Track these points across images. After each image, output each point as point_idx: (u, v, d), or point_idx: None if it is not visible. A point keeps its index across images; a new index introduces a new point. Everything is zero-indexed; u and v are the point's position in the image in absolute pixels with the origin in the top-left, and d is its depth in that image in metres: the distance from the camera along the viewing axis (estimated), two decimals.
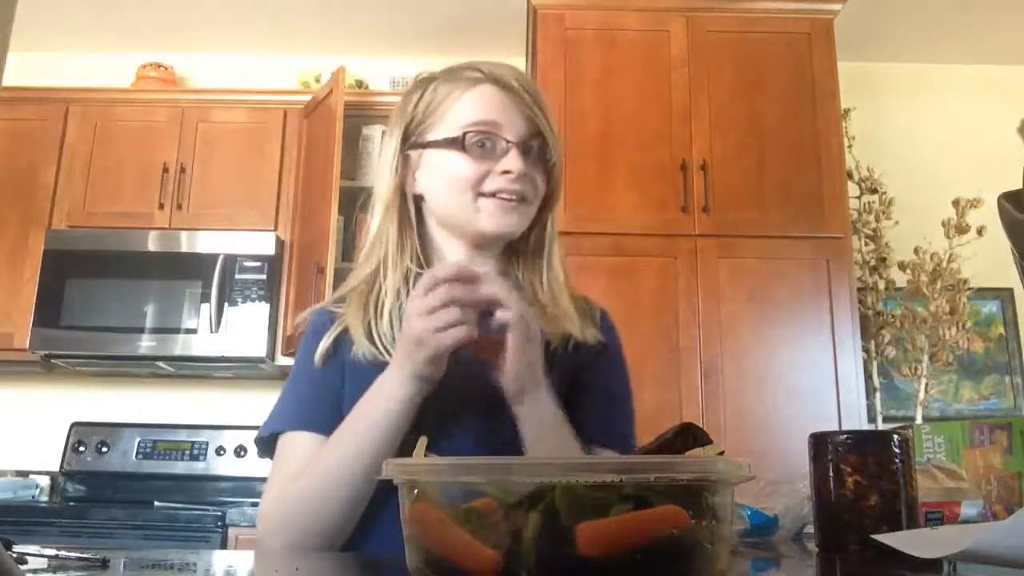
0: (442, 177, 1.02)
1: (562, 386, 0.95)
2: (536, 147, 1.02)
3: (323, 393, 0.99)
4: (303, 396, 1.01)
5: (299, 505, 0.91)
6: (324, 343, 1.00)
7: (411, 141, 1.05)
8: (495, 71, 1.02)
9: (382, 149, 1.09)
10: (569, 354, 1.00)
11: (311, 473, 0.91)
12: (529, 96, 1.02)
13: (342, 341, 1.00)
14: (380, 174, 1.07)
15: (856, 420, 2.45)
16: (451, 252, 1.04)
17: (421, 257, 1.05)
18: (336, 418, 0.93)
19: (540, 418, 0.89)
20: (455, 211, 1.02)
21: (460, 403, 0.93)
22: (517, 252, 1.07)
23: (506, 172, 0.99)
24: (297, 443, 0.97)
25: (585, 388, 1.01)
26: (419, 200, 1.05)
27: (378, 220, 1.06)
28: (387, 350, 0.96)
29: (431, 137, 1.02)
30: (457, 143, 1.00)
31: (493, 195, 0.99)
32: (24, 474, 3.05)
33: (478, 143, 1.00)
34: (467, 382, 0.91)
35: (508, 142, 1.00)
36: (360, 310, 1.00)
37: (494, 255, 1.06)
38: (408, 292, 1.00)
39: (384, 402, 0.88)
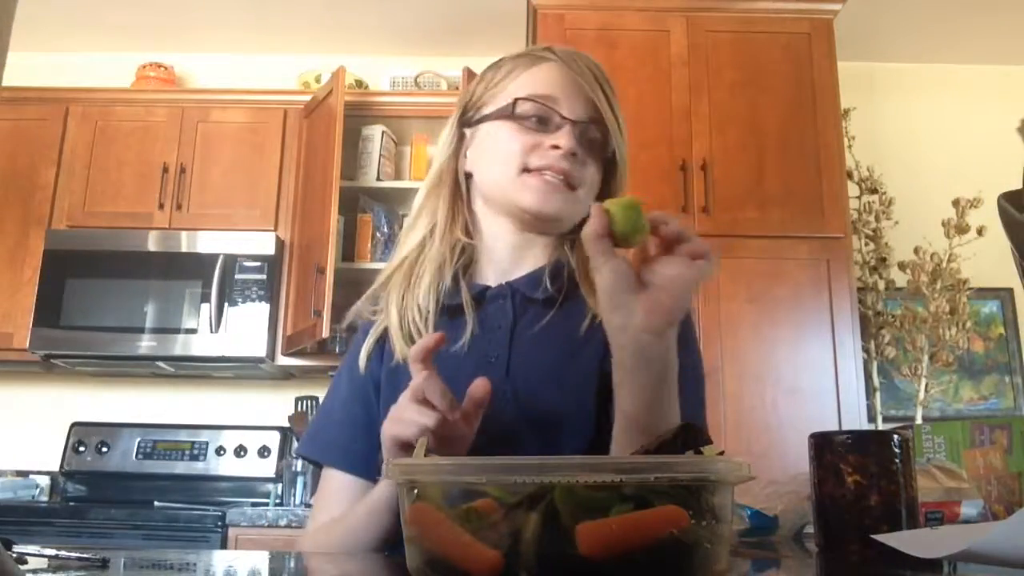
0: (490, 150, 0.97)
1: (597, 380, 0.90)
2: (595, 133, 0.95)
3: (355, 419, 0.96)
4: (337, 423, 0.99)
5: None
6: (367, 344, 0.97)
7: (466, 118, 1.01)
8: (565, 52, 0.98)
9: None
10: (608, 351, 0.91)
11: (332, 542, 0.91)
12: (596, 80, 0.95)
13: (384, 343, 0.97)
14: (436, 154, 1.04)
15: (856, 420, 2.45)
16: (498, 233, 1.00)
17: (471, 230, 1.00)
18: (368, 447, 0.90)
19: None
20: (498, 185, 0.96)
21: (506, 438, 0.88)
22: (573, 244, 0.98)
23: (555, 147, 0.92)
24: (329, 484, 0.97)
25: None
26: (469, 180, 1.01)
27: (421, 198, 1.02)
28: (420, 331, 0.92)
29: (486, 112, 0.98)
30: (507, 111, 0.95)
31: (539, 172, 0.93)
32: (24, 474, 3.05)
33: (530, 115, 0.94)
34: (513, 415, 0.87)
35: (563, 118, 0.94)
36: (399, 299, 0.96)
37: (546, 242, 0.99)
38: (452, 264, 0.96)
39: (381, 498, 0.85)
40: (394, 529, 0.84)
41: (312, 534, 0.95)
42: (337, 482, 0.95)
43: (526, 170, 0.93)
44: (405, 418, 0.76)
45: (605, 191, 0.98)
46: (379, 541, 0.86)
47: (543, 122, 0.94)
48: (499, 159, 0.96)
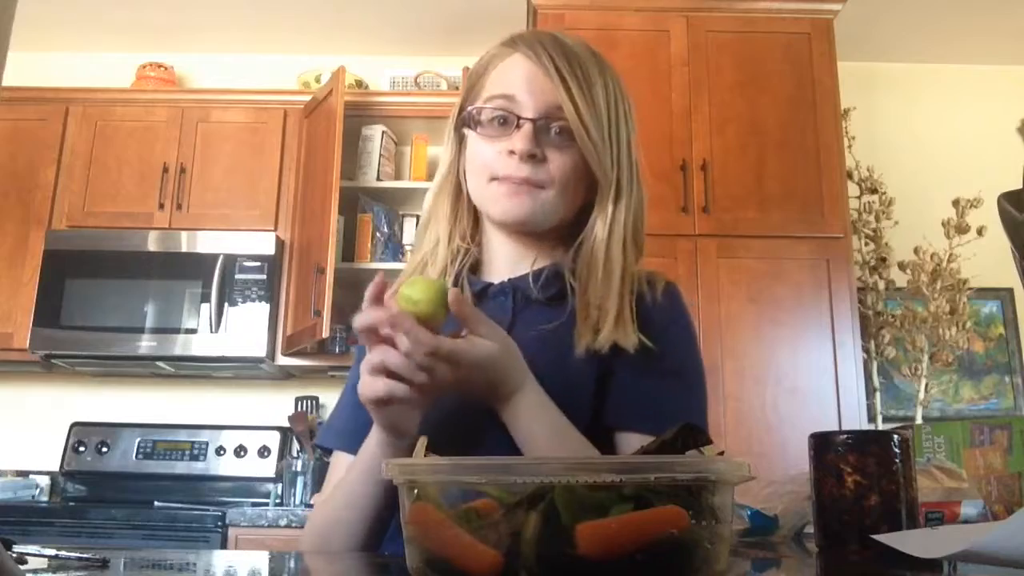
0: (468, 159, 0.97)
1: (591, 393, 0.90)
2: (560, 125, 0.92)
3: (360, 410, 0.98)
4: (345, 414, 1.00)
5: (324, 530, 0.92)
6: None
7: (459, 120, 0.99)
8: (529, 39, 0.95)
9: None
10: (601, 357, 0.90)
11: (330, 505, 0.93)
12: (557, 69, 0.91)
13: None
14: (441, 157, 1.03)
15: (856, 420, 2.45)
16: (494, 237, 1.00)
17: (470, 238, 1.00)
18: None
19: (522, 422, 0.83)
20: (476, 197, 0.97)
21: (475, 421, 0.87)
22: (578, 245, 0.96)
23: (511, 152, 0.91)
24: (335, 466, 0.98)
25: (615, 372, 0.91)
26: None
27: (428, 203, 1.02)
28: None
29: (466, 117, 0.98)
30: (471, 120, 0.94)
31: (504, 179, 0.92)
32: (24, 474, 3.05)
33: (493, 119, 0.93)
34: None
35: (521, 119, 0.91)
36: None
37: (543, 245, 0.98)
38: (456, 267, 0.97)
39: (369, 450, 0.86)
40: (389, 488, 0.85)
41: (316, 508, 0.98)
42: (344, 464, 0.96)
43: (494, 179, 0.93)
44: (367, 369, 0.76)
45: (590, 178, 0.95)
46: (376, 499, 0.86)
47: (505, 123, 0.92)
48: (473, 169, 0.96)
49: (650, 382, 0.91)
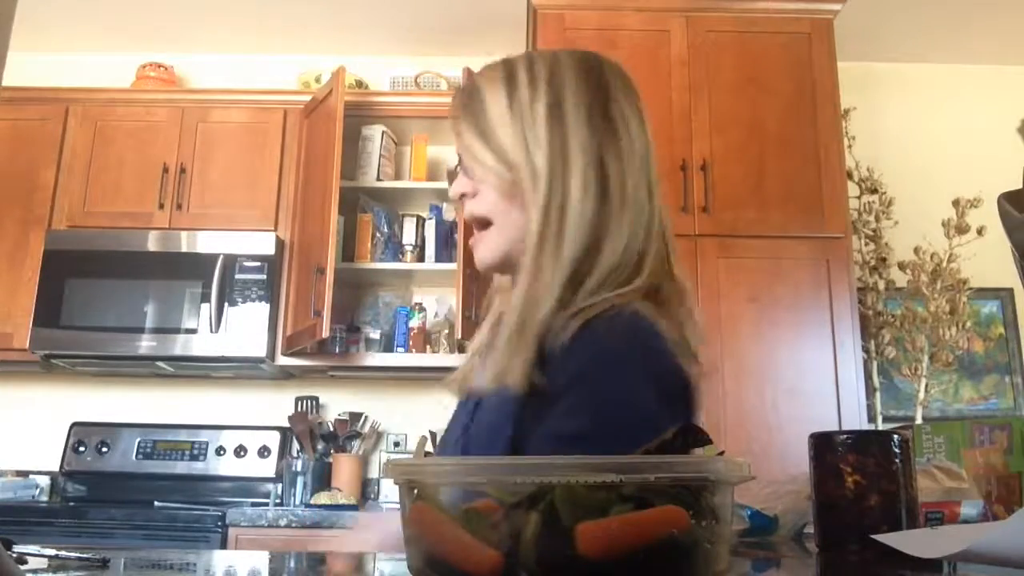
0: None
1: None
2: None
3: None
4: None
5: None
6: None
7: None
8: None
9: None
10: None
11: None
12: (454, 104, 0.93)
13: None
14: None
15: (856, 420, 2.45)
16: None
17: None
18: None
19: None
20: None
21: None
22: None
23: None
24: None
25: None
26: None
27: None
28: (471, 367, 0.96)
29: None
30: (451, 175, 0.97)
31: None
32: (24, 474, 3.05)
33: (455, 171, 0.95)
34: None
35: (457, 166, 0.93)
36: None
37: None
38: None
39: None
40: None
41: None
42: None
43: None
44: None
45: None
46: None
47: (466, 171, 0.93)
48: None
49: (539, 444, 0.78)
